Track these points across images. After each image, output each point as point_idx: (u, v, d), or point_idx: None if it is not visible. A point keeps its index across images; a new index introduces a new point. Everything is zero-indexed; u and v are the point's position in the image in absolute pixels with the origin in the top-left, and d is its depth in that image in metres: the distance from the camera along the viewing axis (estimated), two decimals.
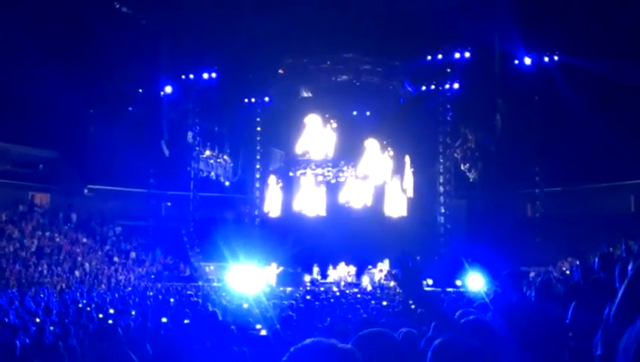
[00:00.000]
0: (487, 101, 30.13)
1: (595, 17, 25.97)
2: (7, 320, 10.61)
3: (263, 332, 8.85)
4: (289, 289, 26.16)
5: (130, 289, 24.53)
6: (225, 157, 35.03)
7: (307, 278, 28.96)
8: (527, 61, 29.94)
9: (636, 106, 26.13)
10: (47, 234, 29.10)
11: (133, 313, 11.77)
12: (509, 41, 28.34)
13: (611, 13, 25.59)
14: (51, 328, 9.43)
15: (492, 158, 30.23)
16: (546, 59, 29.79)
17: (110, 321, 9.74)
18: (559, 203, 30.33)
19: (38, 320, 10.55)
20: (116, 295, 20.41)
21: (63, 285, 24.27)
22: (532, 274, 24.87)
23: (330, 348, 1.94)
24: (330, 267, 29.62)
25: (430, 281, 26.95)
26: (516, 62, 30.05)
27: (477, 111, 31.03)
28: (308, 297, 19.28)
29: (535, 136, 30.27)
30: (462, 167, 31.79)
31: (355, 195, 33.43)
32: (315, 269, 29.66)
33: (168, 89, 33.32)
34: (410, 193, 33.07)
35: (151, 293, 20.98)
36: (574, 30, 27.02)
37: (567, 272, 21.45)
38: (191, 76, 33.45)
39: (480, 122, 31.02)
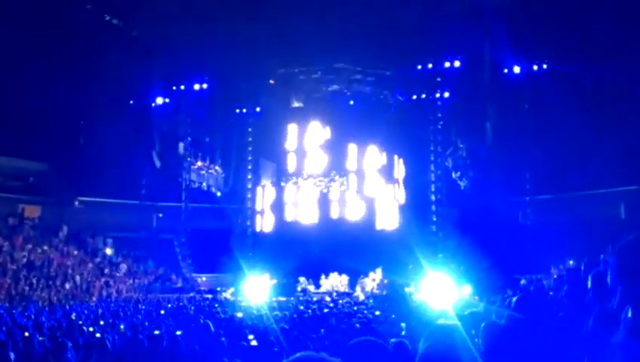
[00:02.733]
0: (477, 109, 30.27)
1: (584, 25, 26.17)
2: None
3: (254, 343, 8.81)
4: (282, 299, 26.10)
5: (122, 301, 24.34)
6: (216, 167, 34.95)
7: (300, 288, 28.88)
8: (517, 69, 30.15)
9: (626, 113, 26.32)
10: (38, 246, 28.87)
11: (122, 327, 11.66)
12: (498, 49, 28.53)
13: (600, 20, 25.78)
14: (40, 338, 9.33)
15: (483, 166, 30.33)
16: (536, 67, 30.00)
17: (98, 334, 9.64)
18: (550, 210, 30.42)
19: (27, 334, 10.42)
20: (111, 306, 20.23)
21: (54, 298, 24.06)
22: (523, 282, 24.94)
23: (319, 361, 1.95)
24: (323, 277, 29.54)
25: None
26: (506, 70, 30.26)
27: (467, 120, 31.15)
28: (301, 307, 19.21)
29: (525, 144, 30.38)
30: (453, 176, 31.86)
31: (347, 204, 33.40)
32: (308, 279, 29.55)
33: (159, 100, 33.30)
34: (402, 202, 33.08)
35: (142, 307, 20.81)
36: (563, 38, 27.23)
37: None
38: (182, 87, 33.45)
39: (471, 130, 31.14)
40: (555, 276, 23.01)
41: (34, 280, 25.27)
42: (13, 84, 27.98)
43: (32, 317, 15.19)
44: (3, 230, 29.05)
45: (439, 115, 32.45)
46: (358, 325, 11.57)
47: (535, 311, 6.84)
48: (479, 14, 27.78)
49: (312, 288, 29.14)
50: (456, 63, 30.68)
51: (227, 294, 28.24)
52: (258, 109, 34.48)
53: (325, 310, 16.20)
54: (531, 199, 31.43)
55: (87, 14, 30.15)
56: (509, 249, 27.75)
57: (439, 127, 32.56)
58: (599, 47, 26.68)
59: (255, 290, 28.44)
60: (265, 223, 34.64)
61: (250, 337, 9.53)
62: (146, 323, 12.36)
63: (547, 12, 27.56)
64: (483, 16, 27.70)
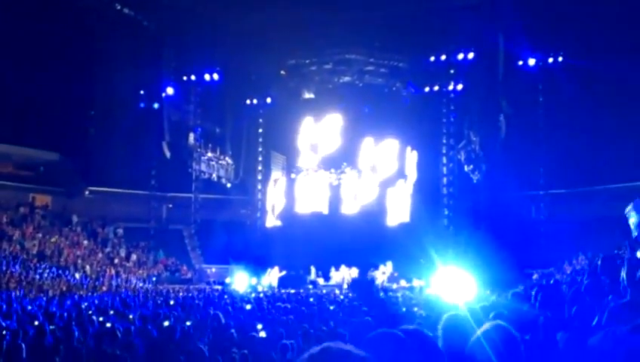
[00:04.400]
0: (491, 102, 29.97)
1: (601, 17, 25.78)
2: (7, 322, 10.43)
3: (263, 334, 8.73)
4: (292, 291, 25.99)
5: (135, 291, 24.32)
6: (226, 158, 34.86)
7: (309, 280, 28.79)
8: (532, 62, 29.79)
9: None
10: (48, 236, 28.92)
11: (131, 317, 11.57)
12: (513, 41, 28.17)
13: (617, 13, 25.40)
14: (51, 327, 9.26)
15: (496, 160, 30.03)
16: (551, 59, 29.61)
17: (108, 324, 9.55)
18: (564, 205, 30.08)
19: (37, 323, 10.36)
20: (121, 296, 20.19)
21: (64, 287, 24.07)
22: (535, 276, 24.73)
23: (346, 354, 1.87)
24: (333, 269, 29.42)
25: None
26: (520, 62, 29.89)
27: (481, 113, 30.85)
28: (311, 300, 19.09)
29: (539, 138, 30.05)
30: (465, 169, 31.58)
31: (358, 197, 33.23)
32: (318, 272, 29.44)
33: (170, 90, 33.18)
34: (414, 195, 32.84)
35: (152, 297, 20.75)
36: (579, 30, 26.85)
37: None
38: (192, 77, 33.33)
39: (484, 123, 30.84)
40: (569, 271, 22.78)
41: (44, 270, 25.28)
42: (24, 74, 27.97)
43: (43, 306, 15.15)
44: (14, 219, 29.12)
45: (452, 107, 32.19)
46: (369, 318, 11.41)
47: (551, 305, 6.68)
48: (494, 5, 27.42)
49: (321, 280, 29.03)
50: (470, 55, 30.37)
51: (237, 285, 28.17)
52: (269, 100, 34.32)
53: (332, 307, 15.88)
54: (545, 193, 31.08)
55: (98, 3, 30.08)
56: (521, 243, 27.45)
57: (452, 119, 32.29)
58: (616, 39, 26.29)
59: (264, 282, 28.40)
60: (275, 215, 34.54)
61: (259, 327, 9.44)
62: (156, 314, 12.27)
63: (563, 4, 27.18)
64: (497, 7, 27.35)
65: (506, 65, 29.29)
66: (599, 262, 7.39)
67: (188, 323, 9.72)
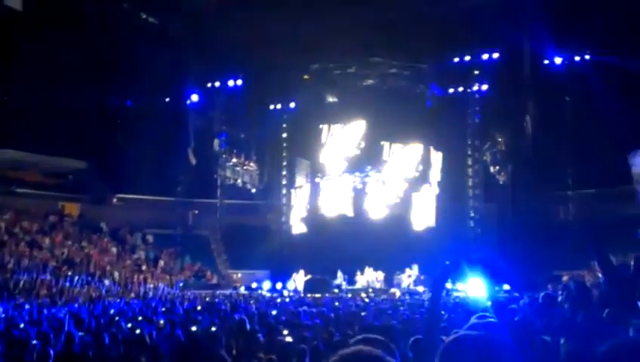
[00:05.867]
0: (516, 102, 29.62)
1: (628, 14, 25.33)
2: (37, 329, 10.57)
3: (289, 339, 8.72)
4: (317, 295, 25.97)
5: (163, 296, 24.52)
6: (251, 164, 35.03)
7: (334, 284, 28.72)
8: (558, 61, 29.34)
9: None
10: (77, 243, 29.33)
11: (162, 322, 11.65)
12: (538, 40, 27.78)
13: None
14: (80, 334, 9.36)
15: (522, 161, 29.66)
16: (578, 58, 29.15)
17: (137, 330, 9.63)
18: (592, 205, 29.57)
19: (66, 329, 10.49)
20: (149, 302, 20.35)
21: (93, 294, 24.37)
22: (565, 278, 24.30)
23: (377, 359, 1.85)
24: (358, 273, 29.32)
25: None
26: (546, 62, 29.47)
27: (506, 113, 30.51)
28: (336, 304, 19.05)
29: (567, 138, 29.57)
30: (491, 170, 31.27)
31: (383, 200, 33.08)
32: (343, 276, 29.36)
33: (194, 97, 33.48)
34: (439, 197, 32.59)
35: (180, 303, 20.89)
36: (606, 28, 26.38)
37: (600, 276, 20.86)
38: (217, 84, 33.59)
39: (510, 124, 30.50)
40: (599, 273, 22.34)
41: (73, 277, 25.62)
42: (51, 83, 28.40)
43: (73, 312, 15.33)
44: (43, 227, 29.59)
45: (477, 108, 31.89)
46: (394, 322, 11.34)
47: (581, 308, 6.55)
48: (518, 3, 27.12)
49: (345, 284, 28.94)
50: (495, 55, 30.08)
51: (262, 291, 28.26)
52: (292, 105, 34.42)
53: (363, 313, 15.64)
54: (573, 194, 30.60)
55: (123, 13, 30.46)
56: (550, 245, 27.07)
57: (477, 120, 31.99)
58: None
59: (290, 286, 28.43)
60: (300, 220, 34.55)
61: (285, 333, 9.43)
62: (184, 319, 12.34)
63: (589, 1, 26.78)
64: (522, 5, 27.03)
65: (532, 64, 28.88)
66: (633, 262, 7.24)
67: (213, 329, 9.74)
